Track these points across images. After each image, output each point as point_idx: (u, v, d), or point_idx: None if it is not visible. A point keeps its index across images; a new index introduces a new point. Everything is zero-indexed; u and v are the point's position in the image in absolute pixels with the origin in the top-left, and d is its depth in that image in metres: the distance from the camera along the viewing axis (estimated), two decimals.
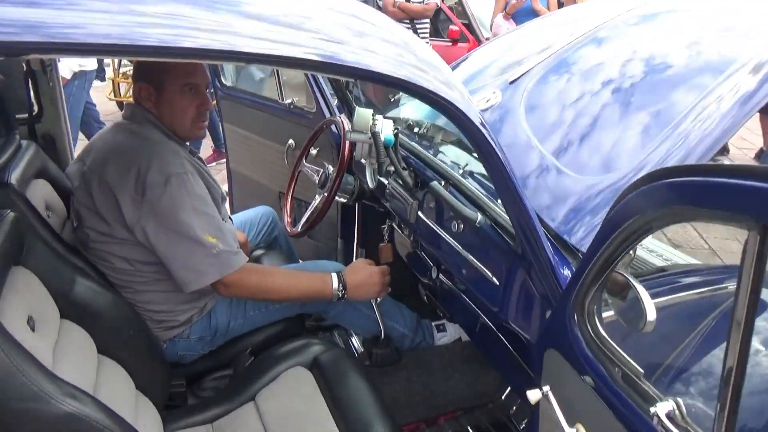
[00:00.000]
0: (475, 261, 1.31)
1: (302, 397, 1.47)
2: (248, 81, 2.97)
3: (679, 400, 0.77)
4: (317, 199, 1.86)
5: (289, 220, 1.93)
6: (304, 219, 1.85)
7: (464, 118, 0.94)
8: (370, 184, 1.77)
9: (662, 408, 0.77)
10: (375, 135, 1.44)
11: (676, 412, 0.76)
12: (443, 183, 1.41)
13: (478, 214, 1.28)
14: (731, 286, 0.73)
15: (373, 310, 1.83)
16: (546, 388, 1.00)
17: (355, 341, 1.99)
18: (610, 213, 0.82)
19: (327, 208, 1.73)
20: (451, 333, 2.05)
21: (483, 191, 1.37)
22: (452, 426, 1.86)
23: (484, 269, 1.28)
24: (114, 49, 0.74)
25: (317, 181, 1.89)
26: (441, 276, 1.80)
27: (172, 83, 1.46)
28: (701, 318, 1.07)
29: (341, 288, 1.59)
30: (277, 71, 2.52)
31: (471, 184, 1.39)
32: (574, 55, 1.56)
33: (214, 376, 1.71)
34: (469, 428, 1.87)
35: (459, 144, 1.66)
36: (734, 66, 1.25)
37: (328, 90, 2.27)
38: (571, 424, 0.95)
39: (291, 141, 2.48)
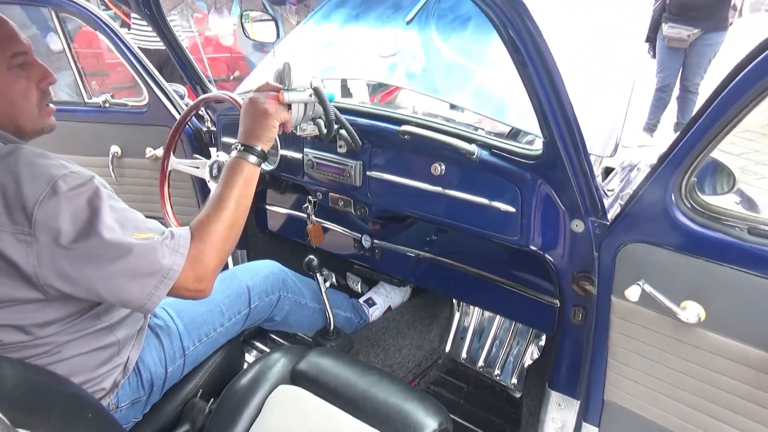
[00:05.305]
0: (475, 196, 1.23)
1: (306, 413, 1.21)
2: None
3: None
4: None
5: None
6: None
7: None
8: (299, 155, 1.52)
9: None
10: (318, 91, 1.22)
11: None
12: (411, 126, 1.28)
13: (473, 146, 1.20)
14: None
15: (319, 302, 1.61)
16: (641, 281, 0.99)
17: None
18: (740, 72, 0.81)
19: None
20: (380, 304, 1.92)
21: (454, 125, 1.29)
22: None
23: (491, 201, 1.21)
24: None
25: (207, 175, 1.55)
26: (375, 241, 1.67)
27: None
28: None
29: (254, 153, 1.13)
30: (76, 60, 1.99)
31: (440, 122, 1.29)
32: None
33: None
34: (431, 387, 1.81)
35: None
36: None
37: (158, 75, 1.88)
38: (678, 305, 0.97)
39: (115, 148, 2.01)
